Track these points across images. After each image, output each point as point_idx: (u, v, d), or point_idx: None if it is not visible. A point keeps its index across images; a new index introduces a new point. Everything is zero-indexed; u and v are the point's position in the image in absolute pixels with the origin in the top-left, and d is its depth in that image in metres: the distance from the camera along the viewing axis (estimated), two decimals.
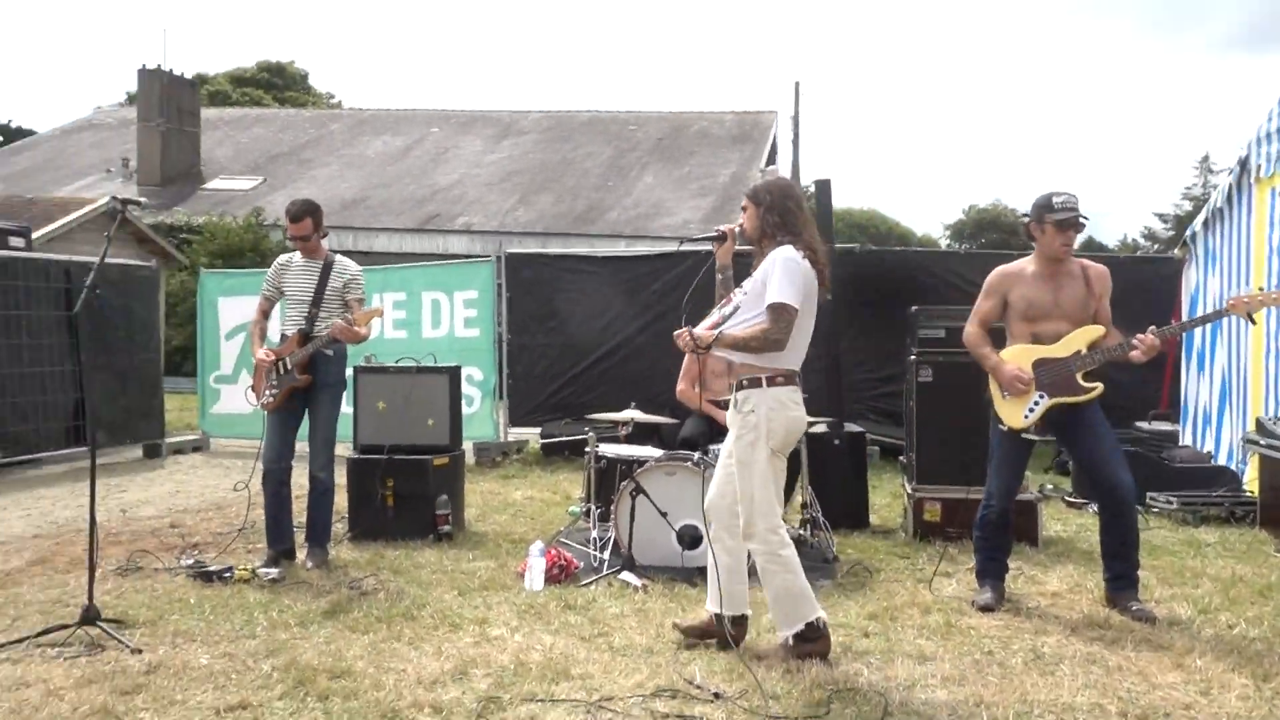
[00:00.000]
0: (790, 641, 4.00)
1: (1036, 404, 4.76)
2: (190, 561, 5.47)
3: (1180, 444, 8.66)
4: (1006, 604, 4.86)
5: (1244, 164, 8.24)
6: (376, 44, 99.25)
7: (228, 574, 5.21)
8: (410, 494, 6.21)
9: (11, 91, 78.48)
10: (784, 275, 3.92)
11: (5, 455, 8.90)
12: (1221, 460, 8.16)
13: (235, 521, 6.61)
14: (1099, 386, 4.73)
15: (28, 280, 9.19)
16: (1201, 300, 8.94)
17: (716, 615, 4.16)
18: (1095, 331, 4.75)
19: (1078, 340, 4.74)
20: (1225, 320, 8.39)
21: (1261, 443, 6.77)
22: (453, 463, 6.47)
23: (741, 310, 4.08)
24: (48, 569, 5.46)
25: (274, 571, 5.27)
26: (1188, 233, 9.48)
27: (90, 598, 4.32)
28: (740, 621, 4.19)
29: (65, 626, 4.23)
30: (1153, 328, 4.65)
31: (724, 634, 4.07)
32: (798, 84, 33.35)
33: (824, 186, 8.22)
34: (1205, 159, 44.15)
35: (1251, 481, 7.33)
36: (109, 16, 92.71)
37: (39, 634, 4.19)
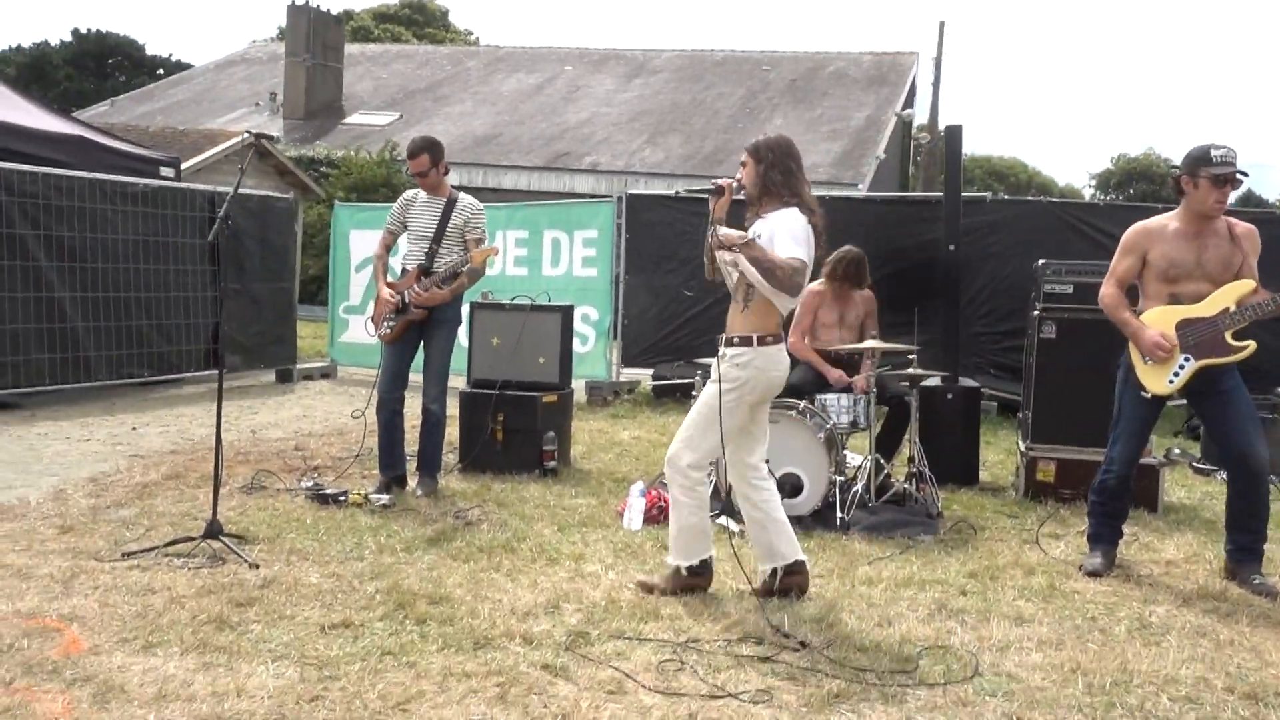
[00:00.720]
0: (684, 572, 4.12)
1: (1183, 367, 4.50)
2: (309, 484, 5.74)
3: None
4: (1117, 570, 4.69)
5: None
6: None
7: (342, 498, 5.45)
8: (519, 429, 6.36)
9: (172, 27, 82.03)
10: (792, 237, 3.95)
11: (151, 374, 9.47)
12: None
13: (354, 447, 6.90)
14: (1251, 345, 4.44)
15: (175, 209, 9.67)
16: None
17: (773, 570, 4.16)
18: (1244, 287, 4.45)
19: (1225, 297, 4.46)
20: None
21: None
22: (561, 400, 6.59)
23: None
24: (180, 484, 5.82)
25: (385, 498, 5.49)
26: None
27: (215, 513, 4.60)
28: (797, 568, 4.15)
29: (191, 539, 4.51)
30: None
31: (767, 586, 4.13)
32: (942, 24, 32.17)
33: (954, 132, 7.91)
34: None
35: None
36: None
37: (167, 544, 4.48)
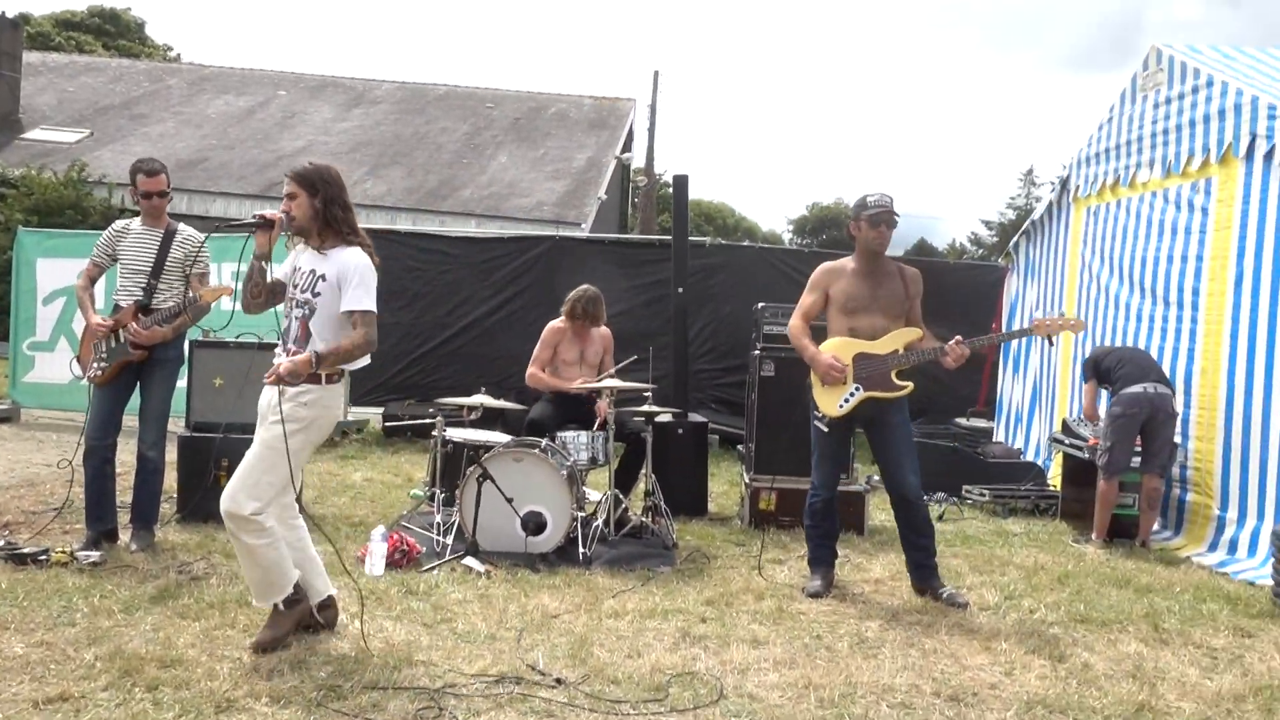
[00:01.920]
0: (282, 606, 3.96)
1: (852, 394, 5.03)
2: (0, 543, 5.15)
3: (994, 440, 9.27)
4: (835, 590, 5.12)
5: (1065, 183, 8.86)
6: None
7: (43, 557, 4.93)
8: None
9: None
10: (363, 283, 3.90)
11: None
12: (1030, 456, 8.79)
13: (51, 500, 6.26)
14: (910, 385, 5.03)
15: None
16: (1020, 308, 9.56)
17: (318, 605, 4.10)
18: (912, 334, 5.05)
19: (896, 340, 5.03)
20: None
21: (1065, 441, 7.33)
22: None
23: (321, 308, 3.94)
24: None
25: (95, 554, 5.02)
26: (1011, 243, 10.12)
27: None
28: (330, 603, 4.15)
29: None
30: (959, 338, 4.97)
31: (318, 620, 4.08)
32: (657, 73, 33.63)
33: (681, 182, 8.35)
34: (1030, 171, 47.06)
35: (1055, 477, 7.92)
36: None
37: None
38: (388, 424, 9.93)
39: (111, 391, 5.34)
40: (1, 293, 14.06)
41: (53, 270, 10.28)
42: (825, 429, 5.14)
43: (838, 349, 5.06)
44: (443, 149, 22.89)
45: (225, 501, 3.84)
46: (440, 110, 25.14)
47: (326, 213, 3.96)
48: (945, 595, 4.97)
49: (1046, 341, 5.30)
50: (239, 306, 4.19)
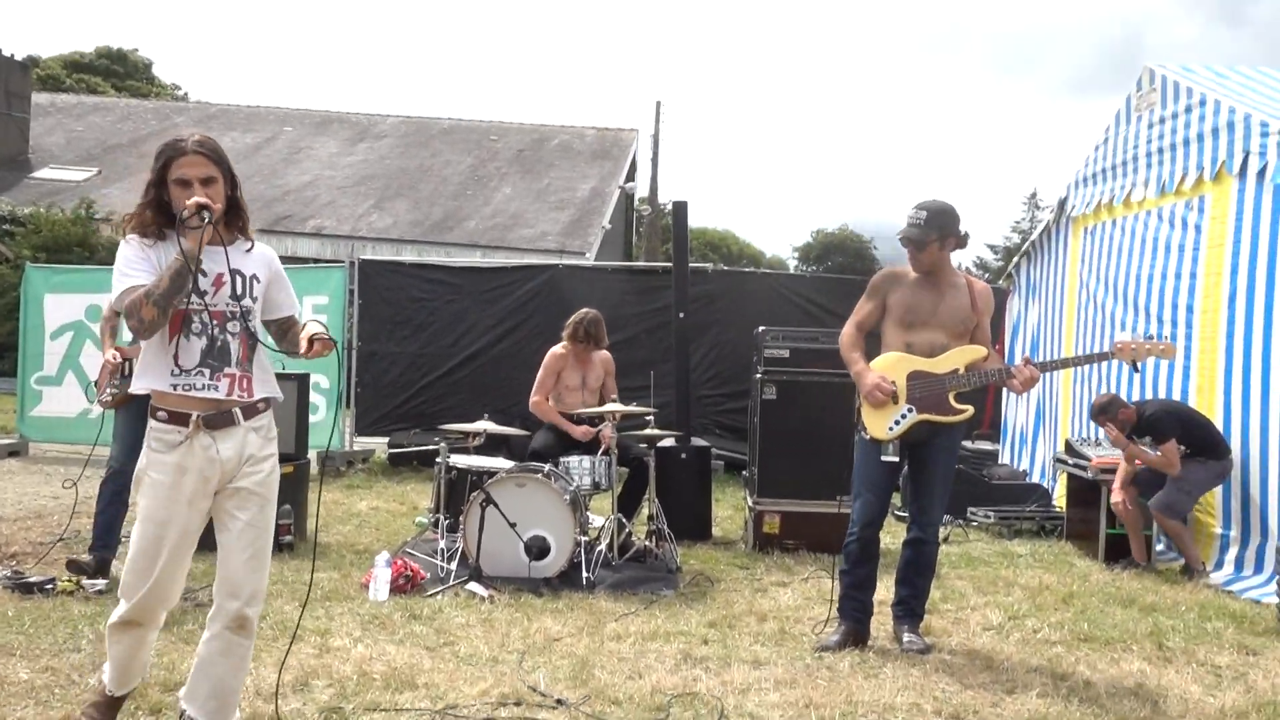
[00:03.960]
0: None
1: (904, 416, 4.45)
2: (8, 572, 5.18)
3: (999, 462, 9.26)
4: (819, 653, 4.44)
5: (1063, 204, 8.92)
6: (229, 37, 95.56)
7: (49, 585, 4.96)
8: None
9: None
10: (290, 288, 3.36)
11: None
12: (1035, 478, 8.78)
13: (57, 530, 6.29)
14: (969, 409, 4.49)
15: None
16: (1022, 330, 9.59)
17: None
18: (976, 352, 4.50)
19: (956, 359, 4.47)
20: (1041, 347, 9.05)
21: (1069, 462, 7.33)
22: (297, 472, 6.35)
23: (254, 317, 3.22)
24: None
25: (100, 583, 5.05)
26: (1012, 264, 10.17)
27: None
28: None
29: None
30: (1027, 357, 4.62)
31: None
32: (659, 103, 33.86)
33: (681, 208, 8.43)
34: (1033, 195, 46.93)
35: (1060, 498, 7.91)
36: None
37: None
38: (393, 452, 9.97)
39: (131, 417, 5.38)
40: (10, 328, 14.20)
41: (60, 306, 10.37)
42: (871, 452, 4.52)
43: (891, 366, 4.49)
44: (447, 181, 23.09)
45: (250, 603, 3.13)
46: (444, 143, 25.36)
47: (237, 199, 3.14)
48: (904, 640, 4.53)
49: (1131, 368, 4.68)
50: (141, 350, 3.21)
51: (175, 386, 3.06)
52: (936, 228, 4.48)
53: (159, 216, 3.09)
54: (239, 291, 3.13)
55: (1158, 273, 7.21)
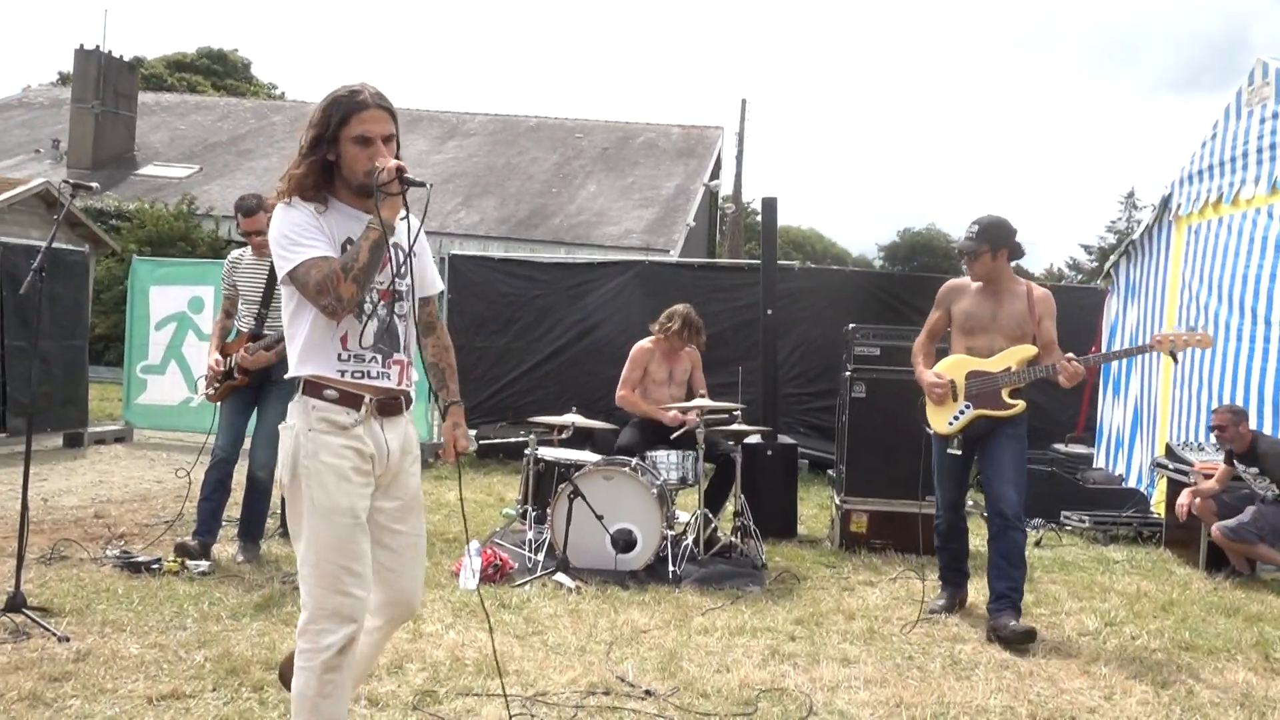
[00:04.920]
0: None
1: (962, 413, 4.89)
2: (117, 552, 5.41)
3: (1094, 466, 9.01)
4: (931, 615, 5.00)
5: (1166, 202, 8.63)
6: (323, 36, 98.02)
7: (156, 565, 5.16)
8: None
9: None
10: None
11: None
12: (1132, 482, 8.52)
13: (162, 513, 6.55)
14: (1020, 404, 4.80)
15: None
16: (1120, 330, 9.31)
17: None
18: (1028, 351, 4.82)
19: (1010, 358, 4.82)
20: None
21: (1170, 467, 7.10)
22: None
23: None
24: None
25: (204, 564, 5.23)
26: (1110, 264, 9.87)
27: (18, 584, 4.27)
28: None
29: None
30: (1071, 355, 4.72)
31: None
32: (744, 101, 33.76)
33: (770, 204, 8.38)
34: (1130, 194, 45.57)
35: (1159, 503, 7.66)
36: None
37: None
38: (481, 444, 10.11)
39: (238, 406, 5.58)
40: (117, 319, 14.78)
41: (164, 297, 10.76)
42: (940, 446, 5.02)
43: (951, 367, 4.97)
44: (533, 179, 23.32)
45: (413, 601, 2.94)
46: (531, 141, 25.62)
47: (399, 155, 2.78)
48: (1013, 627, 4.55)
49: (1170, 358, 4.92)
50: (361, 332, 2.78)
51: (344, 373, 2.74)
52: (988, 240, 4.87)
53: (323, 179, 2.76)
54: (403, 268, 2.84)
55: (1266, 273, 6.93)
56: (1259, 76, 7.33)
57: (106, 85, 24.13)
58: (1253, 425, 6.30)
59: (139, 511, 6.82)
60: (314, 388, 2.75)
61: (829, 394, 8.63)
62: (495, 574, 5.31)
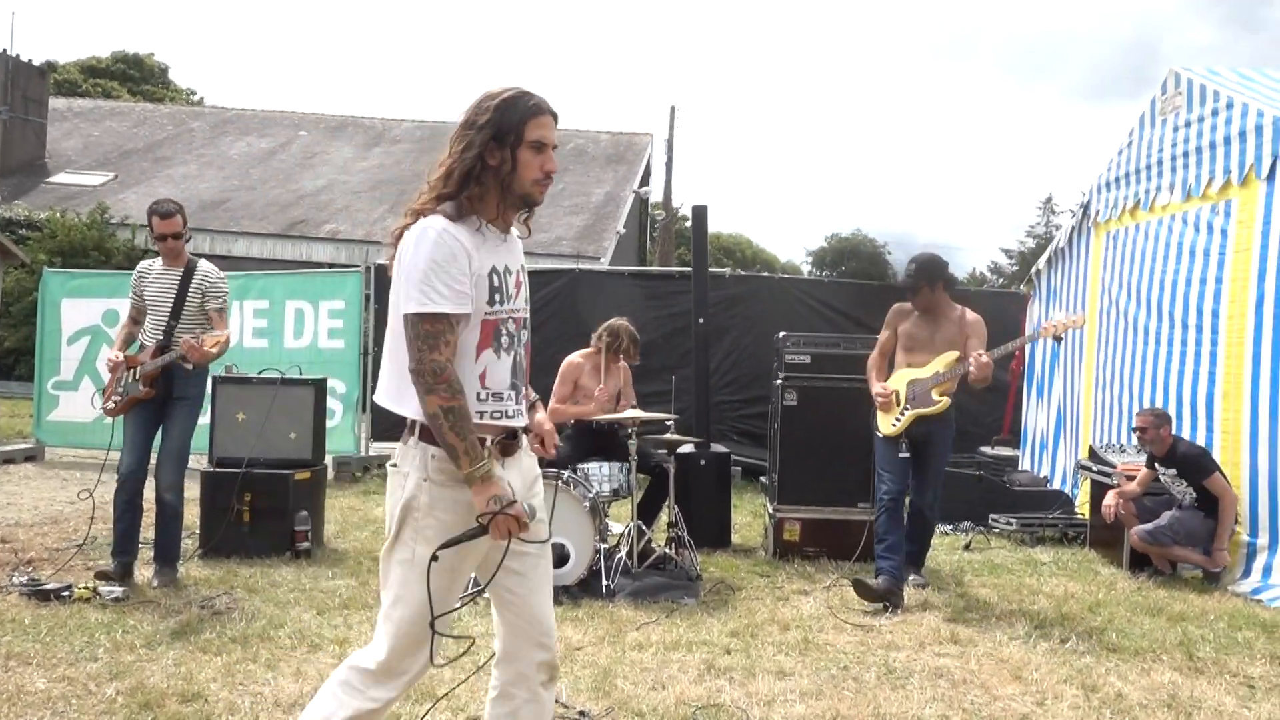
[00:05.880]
0: None
1: (902, 415, 5.60)
2: (24, 579, 5.16)
3: (1020, 468, 9.16)
4: (859, 620, 5.03)
5: (1085, 208, 8.82)
6: (244, 41, 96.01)
7: (66, 592, 4.94)
8: (268, 509, 6.02)
9: None
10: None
11: None
12: (1056, 484, 8.67)
13: (74, 536, 6.28)
14: (945, 401, 5.56)
15: None
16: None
17: None
18: (951, 356, 5.59)
19: (938, 364, 5.61)
20: (1062, 353, 8.96)
21: (1093, 468, 7.24)
22: (314, 477, 6.32)
23: None
24: None
25: (117, 590, 5.02)
26: (1033, 270, 10.07)
27: None
28: None
29: None
30: (980, 351, 5.37)
31: None
32: (673, 108, 33.77)
33: (700, 212, 8.35)
34: (1049, 200, 46.66)
35: (1083, 504, 7.81)
36: None
37: None
38: None
39: (141, 423, 5.35)
40: (27, 333, 14.24)
41: (76, 310, 10.39)
42: (891, 449, 5.60)
43: (896, 379, 5.71)
44: None
45: (554, 647, 2.70)
46: None
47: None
48: (914, 579, 5.70)
49: (1054, 341, 5.88)
50: None
51: (483, 414, 2.46)
52: (925, 277, 5.64)
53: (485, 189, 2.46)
54: (518, 295, 2.57)
55: (1182, 278, 7.11)
56: (1171, 86, 7.53)
57: (15, 90, 23.31)
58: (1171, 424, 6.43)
59: (49, 535, 6.54)
60: (422, 430, 2.45)
61: (761, 400, 8.64)
62: None
